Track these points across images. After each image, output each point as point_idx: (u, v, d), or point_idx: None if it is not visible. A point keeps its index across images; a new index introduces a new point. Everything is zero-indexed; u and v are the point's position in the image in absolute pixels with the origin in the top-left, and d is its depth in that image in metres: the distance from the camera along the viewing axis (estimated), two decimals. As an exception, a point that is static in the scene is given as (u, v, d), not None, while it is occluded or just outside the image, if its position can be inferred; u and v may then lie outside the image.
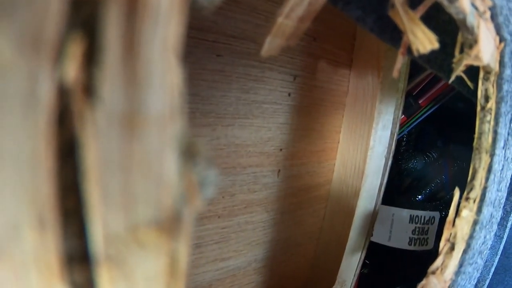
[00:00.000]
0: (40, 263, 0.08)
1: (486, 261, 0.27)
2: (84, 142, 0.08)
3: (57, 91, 0.07)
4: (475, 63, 0.20)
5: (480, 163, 0.23)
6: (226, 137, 0.27)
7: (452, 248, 0.24)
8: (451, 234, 0.24)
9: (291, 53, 0.30)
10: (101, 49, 0.08)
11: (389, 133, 0.33)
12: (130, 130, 0.08)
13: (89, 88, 0.08)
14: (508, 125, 0.24)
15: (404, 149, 0.46)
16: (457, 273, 0.24)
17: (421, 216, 0.37)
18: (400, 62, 0.22)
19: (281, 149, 0.30)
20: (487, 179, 0.23)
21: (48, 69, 0.07)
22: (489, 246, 0.25)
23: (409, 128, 0.44)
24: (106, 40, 0.08)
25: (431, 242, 0.37)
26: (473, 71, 0.23)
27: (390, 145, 0.33)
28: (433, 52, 0.24)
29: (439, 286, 0.24)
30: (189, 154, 0.10)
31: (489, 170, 0.23)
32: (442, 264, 0.24)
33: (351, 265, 0.34)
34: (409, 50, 0.20)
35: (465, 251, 0.24)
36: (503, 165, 0.24)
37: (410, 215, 0.38)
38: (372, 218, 0.35)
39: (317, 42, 0.31)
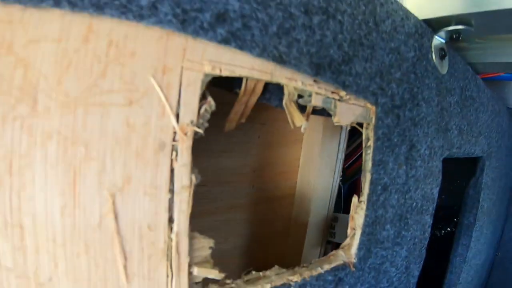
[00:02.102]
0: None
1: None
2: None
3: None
4: (339, 124, 0.34)
5: (365, 179, 0.37)
6: (218, 164, 0.43)
7: (354, 233, 0.38)
8: (353, 224, 0.38)
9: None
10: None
11: (334, 159, 0.48)
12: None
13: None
14: (398, 153, 0.38)
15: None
16: (360, 248, 0.37)
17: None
18: (306, 125, 0.37)
19: (254, 171, 0.46)
20: (369, 188, 0.36)
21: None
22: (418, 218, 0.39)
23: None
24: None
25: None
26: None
27: (338, 167, 0.48)
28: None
29: (345, 257, 0.37)
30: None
31: (371, 182, 0.36)
32: (348, 244, 0.38)
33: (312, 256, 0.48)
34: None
35: (361, 235, 0.37)
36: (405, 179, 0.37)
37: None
38: (326, 222, 0.49)
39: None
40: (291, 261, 0.50)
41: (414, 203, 0.43)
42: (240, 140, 0.44)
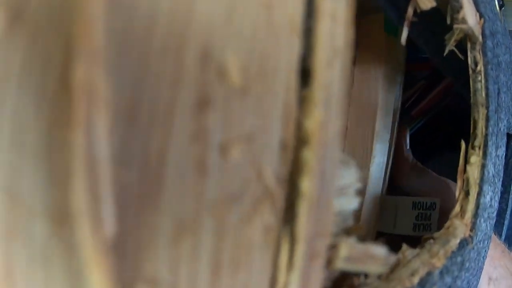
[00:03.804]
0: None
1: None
2: None
3: None
4: (462, 26, 0.25)
5: (479, 114, 0.27)
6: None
7: (467, 193, 0.27)
8: (463, 181, 0.27)
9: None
10: None
11: (391, 120, 0.37)
12: None
13: None
14: (494, 92, 0.29)
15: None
16: (476, 215, 0.26)
17: (423, 202, 0.40)
18: (406, 32, 0.27)
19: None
20: (486, 127, 0.27)
21: None
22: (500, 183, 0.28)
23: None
24: None
25: (435, 227, 0.40)
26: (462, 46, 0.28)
27: (392, 129, 0.37)
28: (428, 34, 0.30)
29: (462, 227, 0.26)
30: None
31: (487, 119, 0.27)
32: (460, 209, 0.27)
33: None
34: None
35: (478, 194, 0.26)
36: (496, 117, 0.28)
37: (413, 202, 0.40)
38: (381, 200, 0.37)
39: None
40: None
41: (500, 165, 0.34)
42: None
